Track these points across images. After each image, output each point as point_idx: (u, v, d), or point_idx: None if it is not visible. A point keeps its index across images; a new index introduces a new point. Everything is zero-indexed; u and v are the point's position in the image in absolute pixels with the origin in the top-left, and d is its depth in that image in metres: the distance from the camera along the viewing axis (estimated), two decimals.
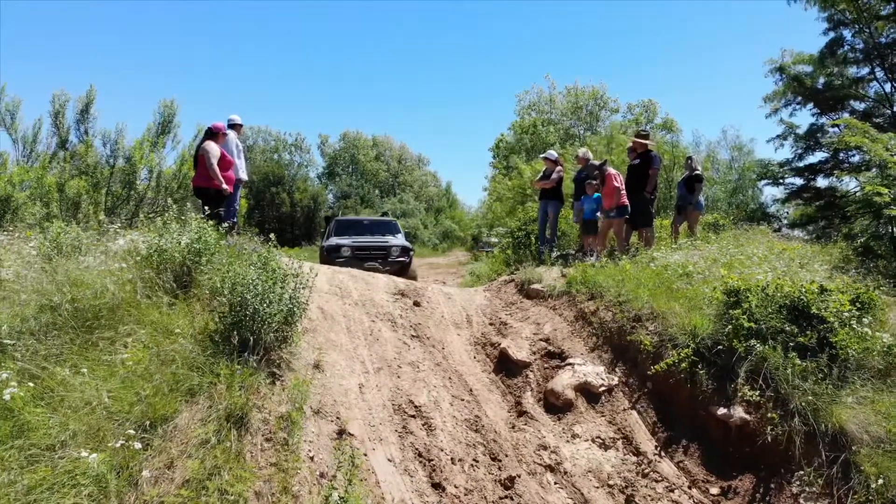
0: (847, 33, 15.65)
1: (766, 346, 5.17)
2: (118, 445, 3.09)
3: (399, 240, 13.12)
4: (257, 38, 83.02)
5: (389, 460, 4.60)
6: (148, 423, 3.40)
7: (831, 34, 16.00)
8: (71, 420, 3.23)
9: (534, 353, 6.69)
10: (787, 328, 5.27)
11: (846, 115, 13.62)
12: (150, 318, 4.51)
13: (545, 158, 10.50)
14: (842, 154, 13.88)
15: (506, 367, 6.56)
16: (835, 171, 12.68)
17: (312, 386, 4.88)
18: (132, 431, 3.20)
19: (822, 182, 15.57)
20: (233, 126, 8.56)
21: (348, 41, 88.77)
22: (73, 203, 15.92)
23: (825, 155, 14.83)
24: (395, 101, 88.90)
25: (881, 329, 5.36)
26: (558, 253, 9.64)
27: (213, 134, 7.84)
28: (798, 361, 4.98)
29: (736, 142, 18.99)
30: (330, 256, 11.75)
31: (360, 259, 11.70)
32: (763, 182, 16.92)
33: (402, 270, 11.97)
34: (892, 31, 15.24)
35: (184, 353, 4.12)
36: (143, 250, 5.44)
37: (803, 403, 4.80)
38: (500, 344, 6.85)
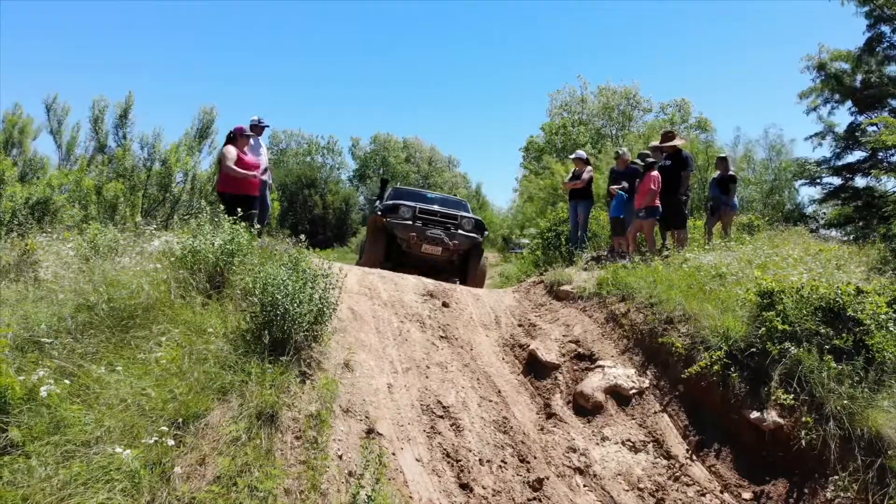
0: (887, 29, 15.24)
1: (801, 349, 5.08)
2: (151, 442, 3.17)
3: (471, 214, 11.09)
4: (292, 43, 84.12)
5: (417, 460, 4.63)
6: (181, 420, 3.48)
7: (871, 31, 15.56)
8: (106, 417, 3.33)
9: (563, 355, 6.66)
10: (823, 330, 5.16)
11: (885, 113, 13.22)
12: (183, 318, 4.61)
13: (576, 158, 10.43)
14: (881, 153, 13.48)
15: (535, 368, 6.54)
16: (872, 171, 12.26)
17: (342, 385, 4.93)
18: (165, 428, 3.28)
19: (860, 182, 15.21)
20: (255, 128, 8.60)
21: (379, 44, 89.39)
22: (111, 205, 16.33)
23: (864, 154, 14.45)
24: (425, 102, 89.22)
25: None
26: (589, 255, 9.58)
27: (232, 138, 7.90)
28: (833, 364, 4.89)
29: (777, 141, 18.62)
30: (385, 217, 9.87)
31: (423, 225, 9.76)
32: (800, 182, 16.56)
33: (472, 254, 10.22)
34: None
35: (216, 352, 4.21)
36: (178, 251, 5.57)
37: (839, 407, 4.71)
38: (528, 345, 6.83)
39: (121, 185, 16.38)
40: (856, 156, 15.05)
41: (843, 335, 5.07)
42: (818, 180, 15.71)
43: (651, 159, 8.83)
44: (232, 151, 7.62)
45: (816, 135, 16.47)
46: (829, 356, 4.95)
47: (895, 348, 4.92)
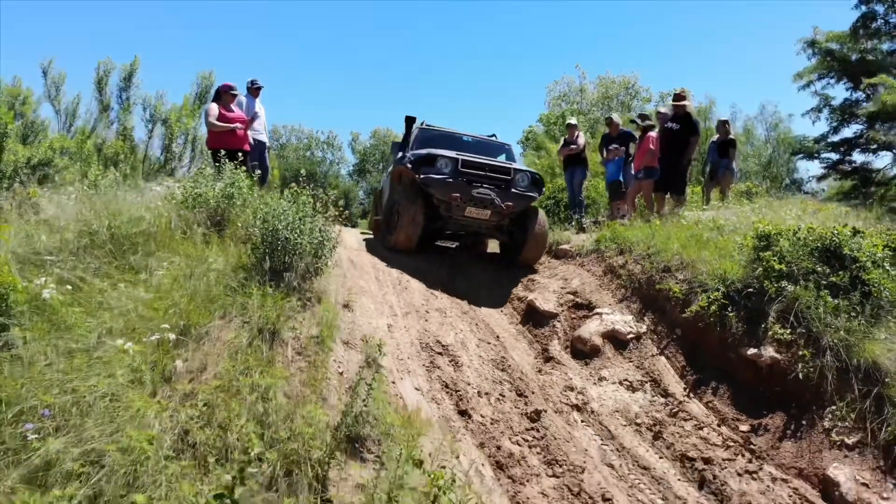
0: (879, 8, 15.29)
1: (798, 287, 5.11)
2: (154, 339, 3.19)
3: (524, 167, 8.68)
4: (290, 40, 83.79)
5: (417, 389, 4.66)
6: (182, 325, 3.51)
7: (863, 8, 15.47)
8: (107, 320, 3.35)
9: (561, 304, 6.69)
10: (819, 269, 5.20)
11: (881, 88, 13.19)
12: (184, 250, 4.63)
13: (568, 125, 10.38)
14: (878, 125, 13.45)
15: (533, 318, 6.57)
16: (870, 134, 12.18)
17: (342, 321, 4.97)
18: (167, 326, 3.30)
19: (858, 157, 15.22)
20: (251, 89, 8.54)
21: (376, 39, 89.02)
22: (112, 163, 16.35)
23: (860, 127, 14.42)
24: (424, 97, 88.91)
25: None
26: (589, 220, 9.59)
27: (218, 95, 7.82)
28: (830, 299, 4.92)
29: (773, 117, 18.65)
30: (419, 171, 7.52)
31: (469, 182, 7.42)
32: (798, 157, 16.55)
33: (528, 218, 7.90)
34: None
35: (217, 276, 4.23)
36: (179, 196, 5.58)
37: (835, 340, 4.74)
38: (527, 298, 6.86)
39: (121, 143, 16.42)
40: (853, 129, 15.14)
41: (840, 273, 5.11)
42: (816, 156, 15.76)
43: (650, 122, 8.84)
44: (214, 108, 7.55)
45: (813, 109, 16.41)
46: (826, 292, 4.99)
47: (891, 285, 4.97)
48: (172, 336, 3.22)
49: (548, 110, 37.25)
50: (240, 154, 7.04)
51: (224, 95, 7.63)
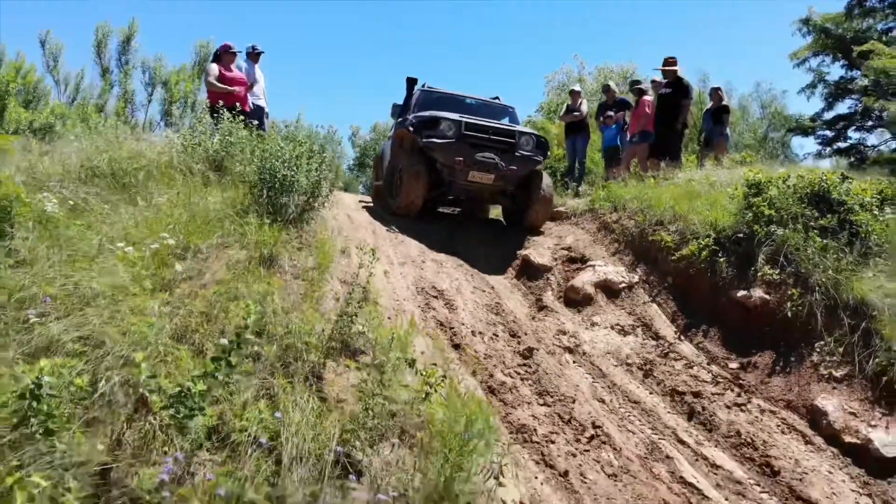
0: None
1: (787, 230, 5.20)
2: (154, 247, 3.26)
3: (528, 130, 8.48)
4: (286, 36, 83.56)
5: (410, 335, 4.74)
6: (181, 242, 3.58)
7: None
8: (108, 232, 3.43)
9: (555, 259, 6.78)
10: (808, 212, 5.30)
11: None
12: (184, 186, 4.71)
13: (572, 92, 10.41)
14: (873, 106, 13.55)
15: (527, 272, 6.65)
16: (864, 104, 12.16)
17: (338, 265, 5.04)
18: (166, 235, 3.37)
19: (853, 135, 15.37)
20: (251, 55, 8.53)
21: (373, 32, 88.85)
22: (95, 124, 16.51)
23: (854, 102, 14.54)
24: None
25: None
26: (585, 187, 9.68)
27: (217, 56, 7.88)
28: (819, 240, 5.02)
29: (768, 95, 18.89)
30: (421, 134, 7.46)
31: (472, 146, 7.28)
32: (794, 133, 16.73)
33: (532, 181, 7.79)
34: None
35: (217, 208, 4.31)
36: (178, 146, 5.65)
37: (824, 279, 4.84)
38: (522, 254, 6.94)
39: (122, 104, 16.57)
40: (847, 104, 15.29)
41: (828, 216, 5.21)
42: (811, 132, 15.90)
43: (644, 87, 8.93)
44: (214, 68, 7.61)
45: (808, 86, 16.55)
46: (815, 233, 5.09)
47: (879, 227, 5.06)
48: (172, 241, 3.29)
49: (547, 100, 37.27)
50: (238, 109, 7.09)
51: (224, 55, 7.68)
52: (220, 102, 6.15)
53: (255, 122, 7.36)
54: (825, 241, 5.03)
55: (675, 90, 8.59)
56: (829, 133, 15.76)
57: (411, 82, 9.23)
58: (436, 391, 3.04)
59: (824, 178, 5.45)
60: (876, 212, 5.25)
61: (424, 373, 3.07)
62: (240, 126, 5.79)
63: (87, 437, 2.15)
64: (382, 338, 3.46)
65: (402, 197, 7.49)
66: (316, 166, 4.89)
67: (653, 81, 9.56)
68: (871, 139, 13.56)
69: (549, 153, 8.49)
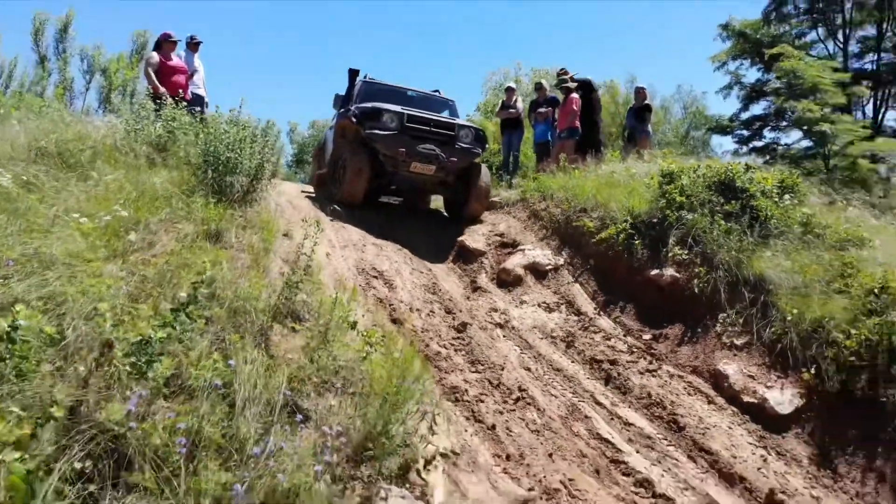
0: None
1: (696, 215, 5.76)
2: (107, 219, 3.45)
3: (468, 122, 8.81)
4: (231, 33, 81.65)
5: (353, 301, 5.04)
6: (132, 216, 3.77)
7: None
8: (61, 206, 3.59)
9: (489, 244, 7.20)
10: (715, 199, 5.86)
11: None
12: (130, 167, 4.84)
13: (507, 89, 10.99)
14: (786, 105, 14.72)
15: (463, 256, 7.05)
16: (777, 106, 13.20)
17: (281, 245, 5.27)
18: (118, 208, 3.56)
19: (768, 134, 16.62)
20: (190, 44, 8.63)
21: (313, 27, 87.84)
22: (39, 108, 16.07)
23: (768, 104, 15.72)
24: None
25: (801, 205, 5.99)
26: (518, 179, 10.15)
27: (158, 45, 7.92)
28: (723, 223, 5.58)
29: (689, 96, 20.23)
30: (364, 125, 7.62)
31: (414, 138, 7.52)
32: (713, 132, 17.99)
33: (471, 173, 8.06)
34: None
35: (163, 188, 4.49)
36: (121, 130, 5.73)
37: (727, 258, 5.39)
38: (458, 240, 7.32)
39: (61, 90, 16.19)
40: (762, 105, 16.54)
41: (733, 202, 5.79)
42: (729, 131, 17.06)
43: (571, 84, 9.50)
44: (154, 56, 7.69)
45: (725, 87, 17.79)
46: (720, 217, 5.65)
47: (778, 212, 5.67)
48: (125, 214, 3.49)
49: (485, 99, 37.96)
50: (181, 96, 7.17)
51: (164, 44, 7.74)
52: (163, 90, 6.24)
53: (198, 109, 7.49)
54: (729, 224, 5.59)
55: (582, 89, 9.39)
56: (745, 132, 16.99)
57: (353, 73, 9.37)
58: (376, 350, 3.36)
59: (730, 168, 6.05)
60: (776, 198, 5.87)
61: (365, 333, 3.38)
62: (183, 112, 5.92)
63: (56, 379, 2.37)
64: (326, 304, 3.75)
65: (346, 186, 7.65)
66: (259, 150, 5.11)
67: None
68: (785, 139, 14.77)
69: (487, 146, 8.80)
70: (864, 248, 5.44)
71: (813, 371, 4.50)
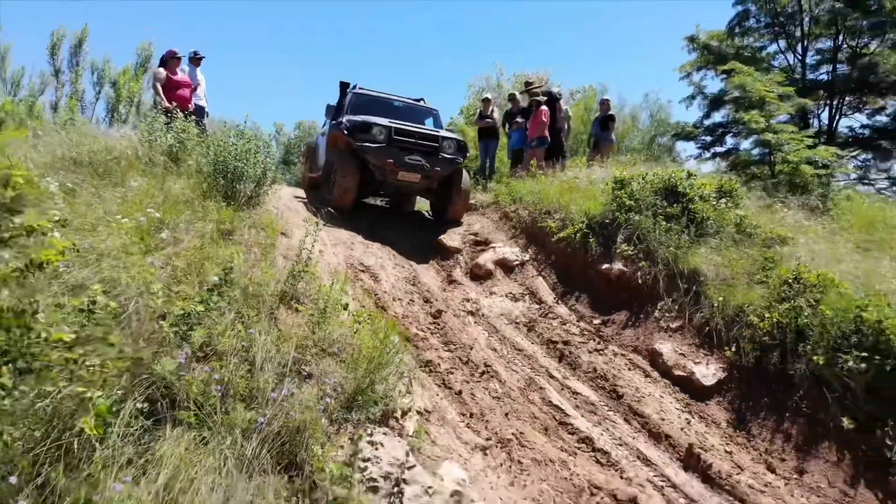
0: (753, 7, 17.83)
1: (642, 216, 6.60)
2: (142, 220, 4.21)
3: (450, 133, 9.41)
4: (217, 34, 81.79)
5: (344, 291, 5.82)
6: (160, 217, 4.53)
7: (739, 7, 18.02)
8: (102, 208, 4.35)
9: (464, 242, 8.03)
10: (659, 202, 6.71)
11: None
12: (150, 175, 5.60)
13: (484, 100, 11.87)
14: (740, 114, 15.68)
15: (441, 253, 7.87)
16: (735, 110, 14.01)
17: (281, 243, 6.05)
18: (151, 209, 4.32)
19: (730, 140, 17.69)
20: (193, 59, 9.35)
21: (298, 28, 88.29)
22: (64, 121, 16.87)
23: (728, 112, 16.67)
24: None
25: (736, 208, 6.84)
26: (493, 184, 10.98)
27: (164, 61, 8.65)
28: (664, 223, 6.42)
29: (655, 105, 21.36)
30: (355, 137, 8.26)
31: (401, 149, 8.22)
32: (677, 139, 19.08)
33: (453, 179, 8.74)
34: (793, 4, 17.47)
35: (181, 193, 5.26)
36: (138, 141, 6.46)
37: (667, 254, 6.22)
38: (437, 239, 8.14)
39: (74, 101, 16.90)
40: (722, 113, 17.55)
41: (674, 206, 6.64)
42: (693, 138, 18.08)
43: (541, 97, 10.38)
44: (161, 72, 8.42)
45: (688, 97, 18.82)
46: (662, 218, 6.50)
47: (714, 214, 6.53)
48: (158, 214, 4.26)
49: (468, 103, 38.77)
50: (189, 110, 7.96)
51: (170, 61, 8.50)
52: (174, 103, 6.99)
53: (200, 119, 8.26)
54: (670, 224, 6.43)
55: (549, 100, 10.35)
56: (708, 138, 17.99)
57: (344, 86, 10.11)
58: (363, 326, 4.16)
59: (673, 175, 6.91)
60: (713, 202, 6.73)
61: (355, 313, 4.19)
62: (191, 125, 6.68)
63: (124, 341, 3.14)
64: (323, 290, 4.54)
65: (337, 192, 8.36)
66: (262, 159, 5.89)
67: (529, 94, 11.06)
68: (745, 144, 15.71)
69: (468, 154, 9.39)
70: (787, 245, 6.31)
71: (734, 349, 5.32)
